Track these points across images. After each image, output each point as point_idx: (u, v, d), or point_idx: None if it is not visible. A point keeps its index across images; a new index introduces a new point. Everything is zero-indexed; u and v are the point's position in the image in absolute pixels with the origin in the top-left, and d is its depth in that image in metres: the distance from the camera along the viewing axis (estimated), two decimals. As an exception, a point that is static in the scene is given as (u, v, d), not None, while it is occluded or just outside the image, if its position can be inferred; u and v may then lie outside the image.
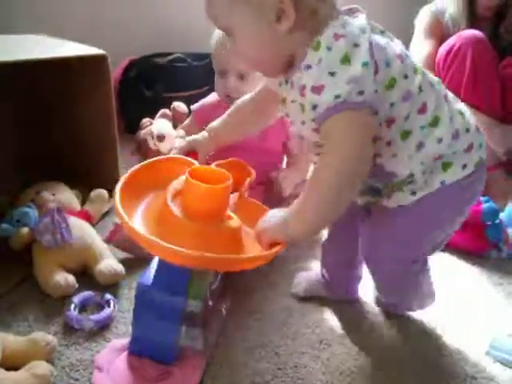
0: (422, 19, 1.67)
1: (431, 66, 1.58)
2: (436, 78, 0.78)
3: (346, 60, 0.64)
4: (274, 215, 0.74)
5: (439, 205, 0.78)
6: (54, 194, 1.05)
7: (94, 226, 1.08)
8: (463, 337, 0.91)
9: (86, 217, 1.06)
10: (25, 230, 0.96)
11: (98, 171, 1.22)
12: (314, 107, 0.67)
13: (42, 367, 0.72)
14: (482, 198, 1.21)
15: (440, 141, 0.74)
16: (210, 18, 0.73)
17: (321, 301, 0.98)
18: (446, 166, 0.75)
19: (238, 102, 0.93)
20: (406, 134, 0.73)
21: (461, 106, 0.79)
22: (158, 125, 1.46)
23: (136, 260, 1.03)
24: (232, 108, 0.94)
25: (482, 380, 0.82)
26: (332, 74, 0.64)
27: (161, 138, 1.43)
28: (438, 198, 0.76)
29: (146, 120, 1.51)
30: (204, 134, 0.95)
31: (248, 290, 1.00)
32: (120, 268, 0.96)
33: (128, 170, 0.80)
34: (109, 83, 1.11)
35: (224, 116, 0.94)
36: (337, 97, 0.64)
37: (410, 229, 0.80)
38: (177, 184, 0.77)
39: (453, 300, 1.01)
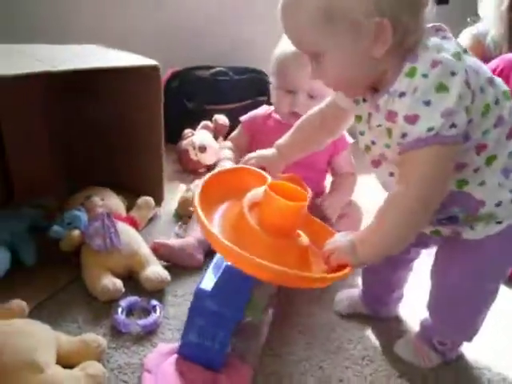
0: (463, 42, 1.68)
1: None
2: None
3: (443, 89, 0.62)
4: (343, 238, 0.74)
5: None
6: (102, 199, 1.07)
7: (139, 232, 1.10)
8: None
9: (133, 223, 1.08)
10: (76, 232, 0.98)
11: (142, 179, 1.24)
12: (404, 135, 0.66)
13: (95, 367, 0.74)
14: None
15: None
16: (294, 42, 0.73)
17: (362, 317, 0.98)
18: None
19: (304, 118, 0.94)
20: (490, 160, 0.71)
21: None
22: (199, 136, 1.49)
23: (180, 268, 1.05)
24: (298, 124, 0.94)
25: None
26: (427, 103, 0.63)
27: (202, 149, 1.46)
28: None
29: (187, 131, 1.54)
30: (272, 150, 0.95)
31: (291, 304, 1.00)
32: (166, 275, 0.98)
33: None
34: (159, 93, 1.13)
35: (291, 133, 0.95)
36: (430, 129, 0.63)
37: (500, 258, 0.78)
38: (253, 196, 0.78)
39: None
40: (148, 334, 0.88)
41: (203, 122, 1.55)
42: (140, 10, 1.80)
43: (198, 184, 0.77)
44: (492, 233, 0.75)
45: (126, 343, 0.85)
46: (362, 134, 0.81)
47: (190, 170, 1.52)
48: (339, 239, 0.74)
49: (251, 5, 1.91)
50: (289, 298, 1.00)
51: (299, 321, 0.96)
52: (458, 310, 0.82)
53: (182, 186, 1.41)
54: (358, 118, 0.80)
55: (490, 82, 0.69)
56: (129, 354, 0.83)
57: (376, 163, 0.80)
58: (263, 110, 1.27)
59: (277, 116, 1.22)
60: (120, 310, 0.90)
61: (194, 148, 1.47)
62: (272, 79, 1.20)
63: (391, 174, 0.77)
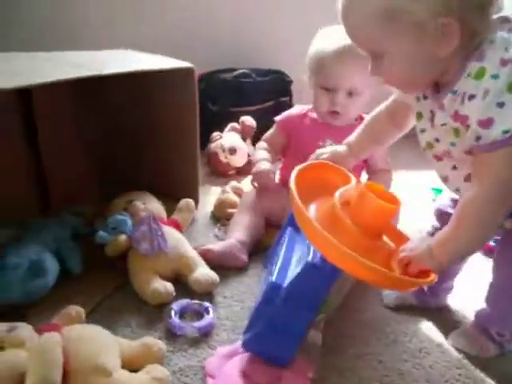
0: None
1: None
2: None
3: None
4: (419, 243, 0.73)
5: None
6: (144, 204, 1.07)
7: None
8: None
9: (176, 225, 1.07)
10: (122, 237, 0.98)
11: (177, 183, 1.24)
12: (478, 138, 0.65)
13: (160, 371, 0.73)
14: None
15: None
16: (356, 40, 0.73)
17: (412, 310, 0.97)
18: None
19: (372, 115, 0.94)
20: None
21: None
22: (228, 138, 1.49)
23: (225, 270, 1.04)
24: (366, 122, 0.94)
25: None
26: (500, 105, 0.62)
27: (232, 151, 1.45)
28: None
29: (215, 134, 1.54)
30: (343, 147, 0.95)
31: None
32: (215, 276, 0.97)
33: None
34: (194, 96, 1.13)
35: (360, 130, 0.95)
36: (505, 132, 0.62)
37: None
38: (342, 193, 0.77)
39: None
40: (203, 336, 0.87)
41: (231, 124, 1.54)
42: (156, 12, 1.81)
43: (291, 178, 0.76)
44: None
45: (183, 346, 0.85)
46: (422, 131, 0.80)
47: (219, 172, 1.51)
48: (415, 245, 0.73)
49: (272, 5, 1.91)
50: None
51: (351, 316, 0.95)
52: None
53: (215, 189, 1.41)
54: (419, 115, 0.80)
55: None
56: (187, 357, 0.82)
57: (438, 158, 0.79)
58: (298, 109, 1.27)
59: (313, 115, 1.22)
60: (173, 313, 0.89)
61: (224, 150, 1.47)
62: (309, 78, 1.20)
63: (454, 168, 0.77)
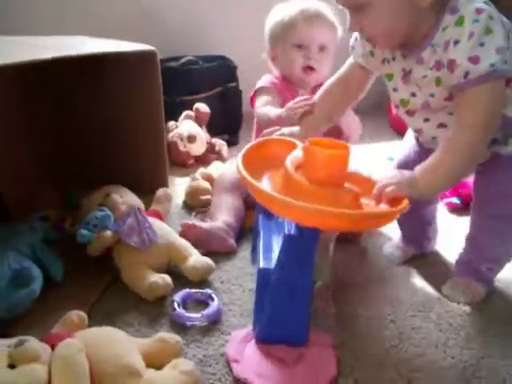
0: None
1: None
2: None
3: (490, 31, 0.70)
4: (400, 173, 0.79)
5: None
6: (121, 197, 1.00)
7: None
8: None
9: (158, 216, 1.02)
10: (107, 233, 0.91)
11: (144, 174, 1.17)
12: (466, 74, 0.71)
13: (186, 364, 0.69)
14: None
15: None
16: None
17: (404, 268, 1.02)
18: None
19: (325, 87, 0.98)
20: None
21: None
22: (185, 126, 1.44)
23: (214, 255, 1.00)
24: (321, 94, 0.99)
25: None
26: (482, 44, 0.70)
27: (192, 138, 1.41)
28: None
29: (171, 123, 1.48)
30: (297, 128, 0.99)
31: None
32: (211, 262, 0.93)
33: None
34: (158, 81, 1.07)
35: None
36: (491, 65, 0.70)
37: None
38: (292, 159, 0.77)
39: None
40: (213, 324, 0.83)
41: (185, 112, 1.49)
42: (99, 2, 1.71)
43: (238, 158, 0.76)
44: None
45: (195, 337, 0.80)
46: (395, 90, 0.87)
47: (179, 162, 1.46)
48: (395, 174, 0.79)
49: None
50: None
51: (352, 284, 0.96)
52: (506, 225, 0.88)
53: (179, 179, 1.36)
54: (389, 76, 0.86)
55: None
56: (203, 347, 0.78)
57: (411, 113, 0.86)
58: (267, 78, 1.29)
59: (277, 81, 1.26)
60: (176, 304, 0.84)
61: (182, 139, 1.41)
62: (272, 49, 1.26)
63: (426, 120, 0.84)
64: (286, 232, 0.73)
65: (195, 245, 0.99)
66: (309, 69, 1.21)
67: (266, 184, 0.76)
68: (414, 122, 0.88)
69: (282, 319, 0.75)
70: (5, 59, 0.72)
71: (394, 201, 0.76)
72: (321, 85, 1.10)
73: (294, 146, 0.83)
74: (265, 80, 1.28)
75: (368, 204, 0.78)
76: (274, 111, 1.15)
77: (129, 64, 1.05)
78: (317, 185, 0.72)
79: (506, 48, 0.71)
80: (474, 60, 0.71)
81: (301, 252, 0.73)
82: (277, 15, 1.24)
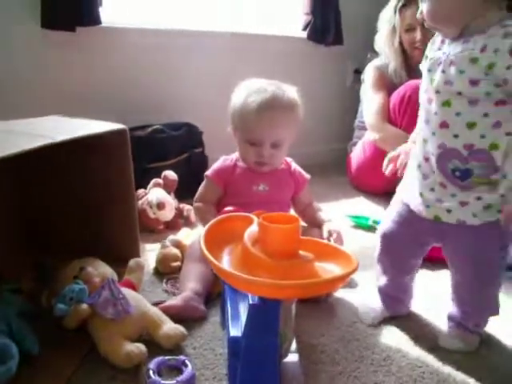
0: (369, 75, 1.92)
1: (386, 114, 1.81)
2: None
3: None
4: None
5: None
6: (95, 269, 1.04)
7: (136, 294, 1.08)
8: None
9: (131, 286, 1.06)
10: (83, 306, 0.94)
11: (115, 245, 1.21)
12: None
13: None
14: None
15: None
16: None
17: (362, 325, 1.09)
18: None
19: None
20: None
21: None
22: (154, 194, 1.50)
23: (188, 322, 1.04)
24: None
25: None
26: None
27: (161, 206, 1.47)
28: None
29: (141, 191, 1.54)
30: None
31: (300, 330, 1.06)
32: (183, 329, 0.98)
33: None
34: (128, 154, 1.15)
35: None
36: None
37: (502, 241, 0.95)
38: (249, 234, 0.83)
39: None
40: (188, 390, 0.87)
41: (154, 180, 1.56)
42: (65, 74, 1.80)
43: (201, 237, 0.82)
44: (493, 219, 0.90)
45: (170, 404, 0.84)
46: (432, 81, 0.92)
47: (149, 228, 1.51)
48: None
49: (177, 65, 2.01)
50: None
51: (316, 343, 1.02)
52: (485, 290, 0.98)
53: (149, 246, 1.41)
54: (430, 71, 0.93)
55: None
56: (179, 414, 0.82)
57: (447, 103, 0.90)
58: (226, 160, 1.32)
59: (241, 164, 1.30)
60: (152, 372, 0.88)
61: (152, 206, 1.48)
62: (233, 130, 1.28)
63: (457, 114, 0.89)
64: (250, 301, 0.79)
65: (172, 320, 1.02)
66: (261, 163, 1.25)
67: (226, 259, 0.82)
68: (444, 114, 0.90)
69: (255, 381, 0.81)
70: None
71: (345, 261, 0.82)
72: (275, 169, 1.21)
73: (251, 220, 0.89)
74: (220, 164, 1.32)
75: (323, 267, 0.83)
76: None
77: (101, 141, 1.12)
78: (272, 257, 0.78)
79: None
80: None
81: (265, 319, 0.80)
82: (238, 98, 1.25)
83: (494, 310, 1.01)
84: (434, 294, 1.21)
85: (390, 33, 1.84)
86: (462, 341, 1.01)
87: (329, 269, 0.83)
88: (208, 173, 1.31)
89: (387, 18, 1.85)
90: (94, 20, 1.71)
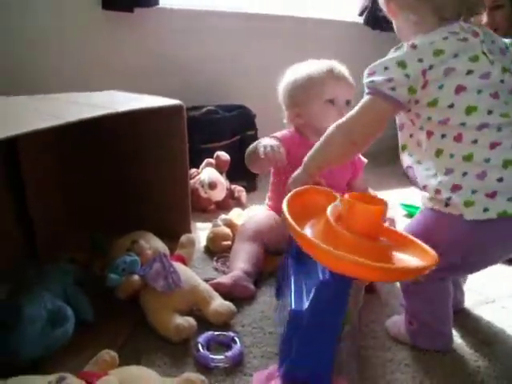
0: None
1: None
2: None
3: None
4: None
5: None
6: (147, 242, 1.05)
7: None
8: None
9: (182, 260, 1.07)
10: (135, 277, 0.96)
11: (168, 221, 1.22)
12: None
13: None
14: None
15: None
16: None
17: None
18: None
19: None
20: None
21: None
22: (206, 173, 1.51)
23: (237, 300, 1.03)
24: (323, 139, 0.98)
25: None
26: None
27: (212, 185, 1.47)
28: None
29: (193, 170, 1.55)
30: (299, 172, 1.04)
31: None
32: (233, 306, 0.97)
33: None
34: (184, 132, 1.15)
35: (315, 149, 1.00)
36: None
37: None
38: (332, 210, 0.81)
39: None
40: (235, 366, 0.86)
41: (206, 160, 1.57)
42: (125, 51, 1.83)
43: (284, 205, 0.80)
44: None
45: (218, 377, 0.84)
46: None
47: (200, 208, 1.52)
48: None
49: (231, 47, 2.01)
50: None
51: (367, 329, 1.00)
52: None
53: (200, 225, 1.41)
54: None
55: None
56: (230, 388, 0.82)
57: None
58: (285, 132, 1.32)
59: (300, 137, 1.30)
60: (200, 346, 0.88)
61: (203, 186, 1.48)
62: (303, 101, 1.28)
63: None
64: (321, 277, 0.77)
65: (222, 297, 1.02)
66: None
67: (309, 232, 0.79)
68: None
69: (309, 361, 0.78)
70: (60, 119, 0.80)
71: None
72: None
73: (332, 197, 0.87)
74: (283, 132, 1.33)
75: (401, 255, 0.80)
76: (267, 142, 1.21)
77: (157, 116, 1.13)
78: (356, 236, 0.75)
79: None
80: None
81: (334, 298, 0.77)
82: (299, 74, 1.29)
83: None
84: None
85: None
86: (399, 328, 0.96)
87: (406, 258, 0.79)
88: (277, 135, 1.30)
89: None
90: (151, 0, 1.73)
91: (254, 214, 1.30)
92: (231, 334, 0.92)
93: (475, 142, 0.81)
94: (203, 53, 1.94)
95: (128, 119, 1.00)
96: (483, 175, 0.79)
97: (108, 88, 1.34)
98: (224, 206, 1.55)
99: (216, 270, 1.19)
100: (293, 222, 0.75)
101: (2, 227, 1.09)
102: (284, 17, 2.10)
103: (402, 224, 1.08)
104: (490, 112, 0.81)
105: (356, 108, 0.91)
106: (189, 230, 1.24)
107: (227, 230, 1.28)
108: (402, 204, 1.65)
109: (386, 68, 0.85)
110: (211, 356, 0.86)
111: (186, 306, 0.97)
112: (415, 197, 1.78)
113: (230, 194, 1.58)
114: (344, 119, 0.92)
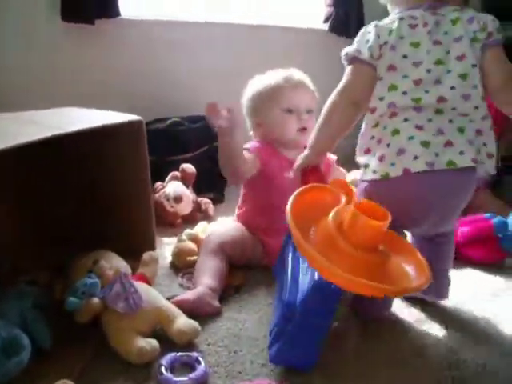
0: None
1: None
2: None
3: None
4: None
5: None
6: (108, 262, 1.02)
7: (151, 288, 1.06)
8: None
9: (145, 280, 1.04)
10: (95, 300, 0.93)
11: (131, 237, 1.20)
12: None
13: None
14: (487, 215, 1.35)
15: None
16: None
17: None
18: None
19: (326, 109, 1.00)
20: None
21: None
22: (172, 187, 1.49)
23: (202, 318, 1.02)
24: (324, 117, 1.01)
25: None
26: None
27: (178, 199, 1.45)
28: None
29: (158, 184, 1.53)
30: (307, 152, 1.05)
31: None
32: (197, 325, 0.95)
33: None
34: (144, 149, 1.13)
35: (319, 127, 1.02)
36: None
37: None
38: (337, 213, 0.82)
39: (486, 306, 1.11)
40: (200, 388, 0.85)
41: (172, 173, 1.54)
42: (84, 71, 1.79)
43: (288, 208, 0.81)
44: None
45: (181, 401, 0.82)
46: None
47: (167, 222, 1.50)
48: None
49: (200, 54, 1.99)
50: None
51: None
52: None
53: (166, 240, 1.39)
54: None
55: None
56: (190, 411, 0.80)
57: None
58: (253, 144, 1.29)
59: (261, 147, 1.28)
60: (163, 369, 0.86)
61: (169, 200, 1.46)
62: (262, 111, 1.28)
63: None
64: (316, 278, 0.78)
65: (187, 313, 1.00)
66: (303, 129, 1.26)
67: (310, 234, 0.81)
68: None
69: (297, 349, 0.83)
70: (12, 140, 0.77)
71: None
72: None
73: (338, 197, 0.88)
74: (250, 144, 1.30)
75: (397, 264, 0.82)
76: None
77: (116, 132, 1.11)
78: (356, 248, 0.77)
79: None
80: None
81: (327, 298, 0.80)
82: (259, 84, 1.30)
83: None
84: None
85: None
86: None
87: (401, 270, 0.82)
88: (248, 146, 1.27)
89: None
90: (113, 12, 1.70)
91: (217, 226, 1.28)
92: (195, 354, 0.90)
93: (381, 115, 0.95)
94: (166, 64, 1.92)
95: (87, 136, 0.98)
96: (383, 143, 0.94)
97: (68, 104, 1.31)
98: (191, 219, 1.53)
99: (181, 286, 1.17)
100: (295, 227, 0.76)
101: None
102: (247, 25, 2.10)
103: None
104: (404, 93, 0.93)
105: (344, 77, 0.99)
106: (153, 247, 1.22)
107: (192, 245, 1.26)
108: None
109: (356, 42, 1.00)
110: (174, 379, 0.84)
111: (148, 327, 0.95)
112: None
113: (197, 206, 1.56)
114: (338, 87, 0.99)
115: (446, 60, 0.93)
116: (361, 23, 2.30)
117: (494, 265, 1.29)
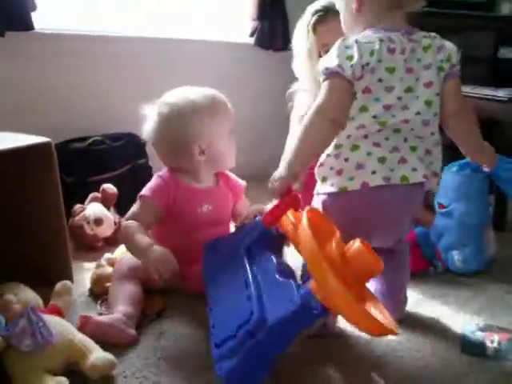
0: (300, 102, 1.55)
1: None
2: None
3: None
4: None
5: None
6: (15, 295, 0.96)
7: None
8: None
9: (57, 311, 0.98)
10: (-3, 338, 0.86)
11: (46, 264, 1.13)
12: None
13: None
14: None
15: None
16: None
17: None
18: None
19: (302, 128, 0.97)
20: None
21: None
22: (92, 209, 1.42)
23: (117, 347, 0.97)
24: (300, 134, 0.97)
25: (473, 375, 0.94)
26: None
27: (99, 221, 1.39)
28: None
29: (77, 206, 1.46)
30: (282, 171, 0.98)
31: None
32: (112, 357, 0.90)
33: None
34: (55, 170, 1.07)
35: (295, 146, 0.97)
36: None
37: None
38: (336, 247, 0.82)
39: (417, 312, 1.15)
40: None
41: (92, 194, 1.48)
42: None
43: (304, 227, 0.82)
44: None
45: None
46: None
47: (87, 245, 1.43)
48: None
49: (119, 69, 1.93)
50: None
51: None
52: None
53: (87, 264, 1.32)
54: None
55: None
56: None
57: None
58: (160, 179, 1.19)
59: (182, 181, 1.20)
60: (74, 409, 0.81)
61: (89, 222, 1.39)
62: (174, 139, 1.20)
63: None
64: (299, 300, 0.78)
65: (93, 339, 0.95)
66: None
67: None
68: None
69: (250, 366, 0.80)
70: None
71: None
72: (216, 186, 1.20)
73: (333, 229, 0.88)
74: (157, 183, 1.19)
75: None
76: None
77: (23, 156, 1.04)
78: (351, 280, 0.78)
79: None
80: None
81: (307, 321, 0.81)
82: (176, 107, 1.19)
83: None
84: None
85: (306, 56, 1.40)
86: None
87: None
88: (145, 193, 1.16)
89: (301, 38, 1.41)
90: (26, 25, 1.61)
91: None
92: (110, 389, 0.86)
93: (348, 137, 0.96)
94: (84, 80, 1.83)
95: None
96: (341, 157, 0.96)
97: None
98: (113, 241, 1.46)
99: (101, 314, 1.11)
100: (317, 250, 0.76)
101: None
102: (171, 39, 2.06)
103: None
104: (374, 117, 0.94)
105: (321, 93, 0.96)
106: (69, 275, 1.16)
107: (110, 271, 1.20)
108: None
109: (337, 57, 0.95)
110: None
111: (60, 363, 0.89)
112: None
113: (120, 228, 1.50)
114: (315, 104, 0.95)
115: (415, 87, 0.96)
116: (286, 36, 2.33)
117: (417, 274, 1.34)
